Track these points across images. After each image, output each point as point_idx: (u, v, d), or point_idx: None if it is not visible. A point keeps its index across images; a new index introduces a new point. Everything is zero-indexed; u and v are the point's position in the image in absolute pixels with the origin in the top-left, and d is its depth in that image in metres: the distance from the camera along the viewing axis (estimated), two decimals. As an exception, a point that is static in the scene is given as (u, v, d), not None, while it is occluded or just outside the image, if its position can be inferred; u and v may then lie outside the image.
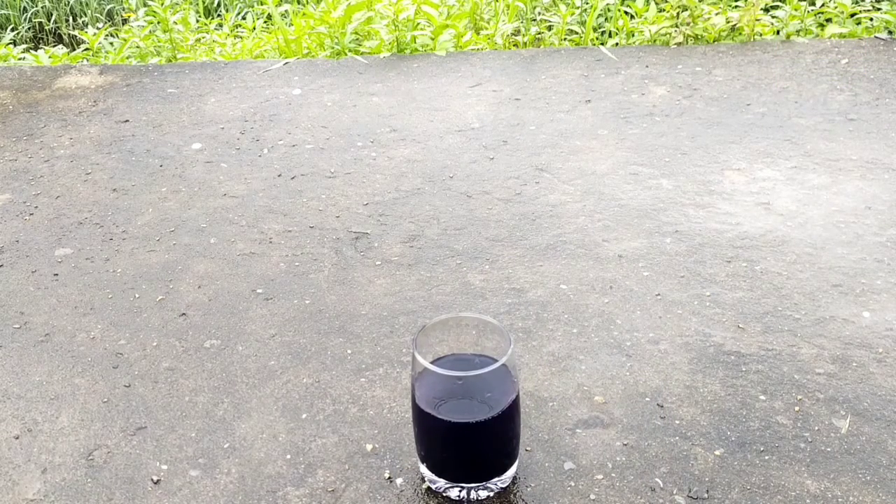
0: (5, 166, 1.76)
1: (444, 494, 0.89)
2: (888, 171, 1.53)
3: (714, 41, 2.27)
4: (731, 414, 0.99)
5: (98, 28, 3.65)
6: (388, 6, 2.40)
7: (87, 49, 2.93)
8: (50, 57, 2.76)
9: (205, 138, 1.84)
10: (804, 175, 1.54)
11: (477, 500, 0.89)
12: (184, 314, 1.24)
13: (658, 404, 1.01)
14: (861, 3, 2.48)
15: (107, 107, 2.06)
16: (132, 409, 1.05)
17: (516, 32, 2.72)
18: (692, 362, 1.08)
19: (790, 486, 0.89)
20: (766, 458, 0.93)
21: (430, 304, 1.22)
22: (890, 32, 2.31)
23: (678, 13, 2.28)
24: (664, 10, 2.40)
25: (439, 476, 0.89)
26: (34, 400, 1.07)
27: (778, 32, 2.32)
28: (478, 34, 2.64)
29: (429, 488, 0.90)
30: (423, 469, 0.90)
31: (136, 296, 1.29)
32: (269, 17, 3.58)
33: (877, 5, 2.51)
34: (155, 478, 0.94)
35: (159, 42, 2.86)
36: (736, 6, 2.47)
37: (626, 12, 2.70)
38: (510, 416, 0.86)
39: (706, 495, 0.89)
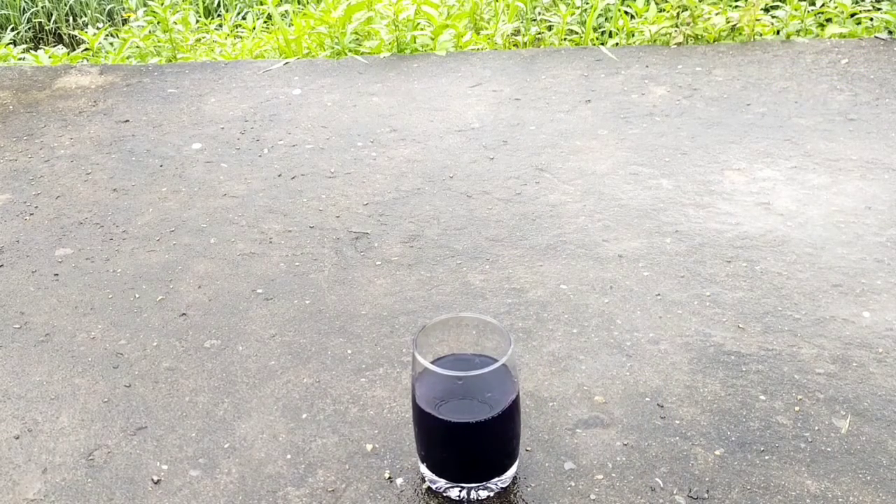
0: (5, 166, 1.76)
1: (445, 494, 0.89)
2: (888, 171, 1.53)
3: (714, 41, 2.27)
4: (731, 414, 0.99)
5: (98, 28, 3.65)
6: (388, 6, 2.40)
7: (87, 49, 2.93)
8: (50, 57, 2.76)
9: (205, 138, 1.84)
10: (804, 175, 1.54)
11: (477, 500, 0.89)
12: (184, 314, 1.24)
13: (658, 404, 1.01)
14: (861, 3, 2.48)
15: (107, 107, 2.06)
16: (132, 409, 1.05)
17: (516, 32, 2.72)
18: (692, 362, 1.08)
19: (790, 486, 0.89)
20: (767, 458, 0.93)
21: (430, 304, 1.22)
22: (890, 32, 2.31)
23: (678, 13, 2.28)
24: (664, 10, 2.40)
25: (439, 476, 0.89)
26: (34, 400, 1.07)
27: (778, 32, 2.32)
28: (478, 34, 2.64)
29: (429, 488, 0.90)
30: (424, 469, 0.90)
31: (137, 296, 1.29)
32: (269, 17, 3.58)
33: (877, 5, 2.50)
34: (155, 478, 0.94)
35: (159, 42, 2.86)
36: (736, 6, 2.47)
37: (626, 12, 2.70)
38: (510, 416, 0.86)
39: (706, 495, 0.89)
